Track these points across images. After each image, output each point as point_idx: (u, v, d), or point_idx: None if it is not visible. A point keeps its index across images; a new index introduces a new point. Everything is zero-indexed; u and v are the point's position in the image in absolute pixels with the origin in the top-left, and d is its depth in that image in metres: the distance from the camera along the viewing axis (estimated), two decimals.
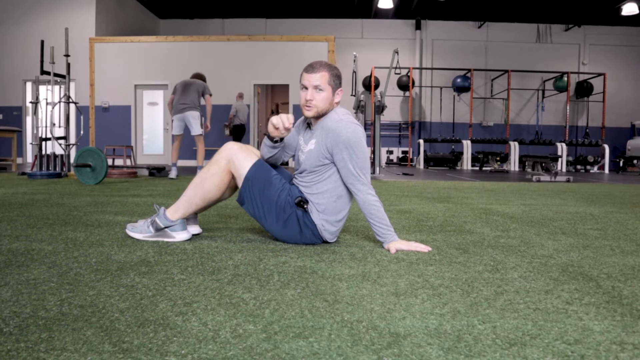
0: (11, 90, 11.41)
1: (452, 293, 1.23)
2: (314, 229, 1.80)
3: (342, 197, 1.82)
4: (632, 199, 4.12)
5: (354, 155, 1.73)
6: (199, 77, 6.38)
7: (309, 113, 1.78)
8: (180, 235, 1.85)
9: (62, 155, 6.03)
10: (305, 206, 1.79)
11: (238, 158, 1.79)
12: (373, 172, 7.45)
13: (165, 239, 1.85)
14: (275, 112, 10.12)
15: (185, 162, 10.96)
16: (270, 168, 1.82)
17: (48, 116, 7.93)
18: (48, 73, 6.29)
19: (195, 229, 1.98)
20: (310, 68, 1.76)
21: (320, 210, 1.80)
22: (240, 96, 9.99)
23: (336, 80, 1.79)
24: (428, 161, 12.04)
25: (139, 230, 1.88)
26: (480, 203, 3.58)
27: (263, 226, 1.85)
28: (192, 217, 1.97)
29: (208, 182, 1.80)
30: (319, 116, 1.81)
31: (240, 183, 1.81)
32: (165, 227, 1.84)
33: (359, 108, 7.54)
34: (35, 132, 6.46)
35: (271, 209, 1.78)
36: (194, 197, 1.83)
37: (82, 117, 6.75)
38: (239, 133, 9.89)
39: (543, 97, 14.07)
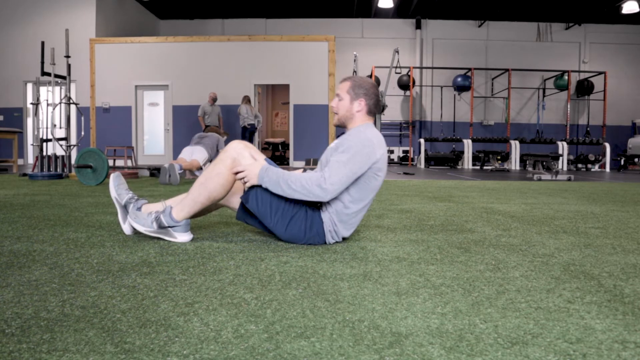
0: (12, 91, 11.43)
1: (454, 292, 1.23)
2: (320, 228, 1.80)
3: (355, 211, 1.84)
4: (634, 197, 4.12)
5: (346, 154, 1.74)
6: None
7: (333, 121, 1.95)
8: (182, 237, 1.86)
9: (63, 156, 6.04)
10: (318, 204, 1.82)
11: (244, 157, 1.80)
12: None
13: (167, 238, 1.86)
14: (247, 102, 9.89)
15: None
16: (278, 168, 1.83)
17: (49, 117, 7.94)
18: (49, 74, 6.30)
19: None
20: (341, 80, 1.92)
21: (331, 211, 1.81)
22: (212, 98, 9.78)
23: (357, 90, 1.87)
24: (429, 160, 12.04)
25: (142, 223, 1.86)
26: (481, 202, 3.58)
27: (266, 224, 1.83)
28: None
29: (213, 181, 1.80)
30: (345, 125, 1.91)
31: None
32: (169, 227, 1.84)
33: None
34: (36, 133, 6.46)
35: (278, 208, 1.78)
36: (198, 196, 1.82)
37: (82, 118, 6.76)
38: None
39: (544, 96, 14.06)
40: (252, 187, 1.79)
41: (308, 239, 1.82)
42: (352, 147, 1.75)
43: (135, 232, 2.01)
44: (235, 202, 1.95)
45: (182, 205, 1.84)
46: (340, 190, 1.73)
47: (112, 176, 2.00)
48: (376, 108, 1.91)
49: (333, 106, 1.91)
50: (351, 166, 1.73)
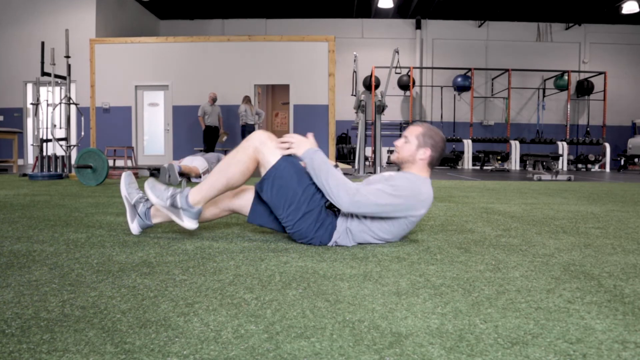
0: (12, 91, 11.43)
1: (454, 292, 1.23)
2: (329, 231, 1.79)
3: (372, 242, 1.85)
4: (634, 198, 4.12)
5: (393, 189, 1.72)
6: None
7: (392, 156, 1.95)
8: (189, 223, 1.82)
9: (63, 157, 6.04)
10: (335, 209, 1.81)
11: (267, 146, 1.78)
12: (374, 171, 7.46)
13: (174, 217, 1.83)
14: (247, 102, 9.91)
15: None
16: (300, 165, 1.82)
17: (49, 117, 7.94)
18: (49, 74, 6.30)
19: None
20: (413, 124, 1.95)
21: (351, 226, 1.80)
22: (212, 98, 9.83)
23: (426, 138, 1.86)
24: None
25: (157, 195, 1.85)
26: (481, 202, 3.58)
27: (278, 214, 1.80)
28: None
29: (233, 168, 1.78)
30: (401, 167, 1.92)
31: (264, 171, 1.79)
32: (181, 208, 1.82)
33: (360, 108, 7.54)
34: (36, 133, 6.47)
35: (293, 201, 1.75)
36: (216, 181, 1.80)
37: (82, 118, 6.76)
38: (209, 136, 9.75)
39: (544, 96, 14.06)
40: (268, 177, 1.76)
41: (312, 238, 1.80)
42: (402, 189, 1.74)
43: (142, 232, 2.02)
44: (246, 206, 1.94)
45: (198, 189, 1.83)
46: (360, 212, 1.72)
47: (123, 175, 2.00)
48: (437, 162, 1.91)
49: (397, 145, 1.91)
50: (387, 204, 1.72)
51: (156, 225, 2.17)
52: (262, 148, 1.78)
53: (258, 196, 1.89)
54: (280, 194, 1.75)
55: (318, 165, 1.71)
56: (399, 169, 1.96)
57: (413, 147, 1.86)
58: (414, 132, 1.88)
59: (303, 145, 1.77)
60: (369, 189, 1.71)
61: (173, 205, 1.83)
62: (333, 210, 1.83)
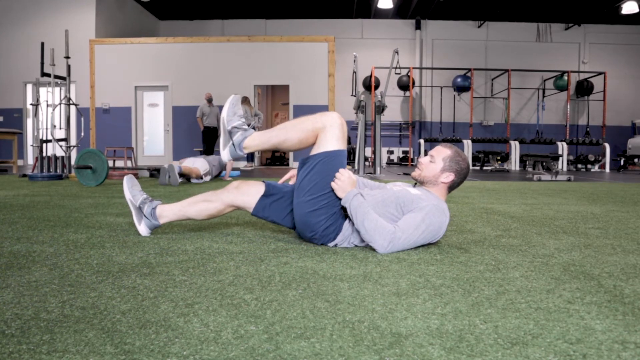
0: (12, 92, 11.44)
1: (454, 293, 1.23)
2: (334, 232, 1.79)
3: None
4: (634, 198, 4.12)
5: (421, 215, 1.70)
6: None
7: (414, 173, 1.94)
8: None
9: (62, 157, 6.04)
10: (346, 212, 1.80)
11: (334, 132, 1.77)
12: (374, 172, 7.46)
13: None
14: (246, 103, 9.88)
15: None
16: (345, 165, 1.83)
17: (48, 118, 7.95)
18: (48, 75, 6.30)
19: (144, 229, 1.99)
20: (441, 144, 1.92)
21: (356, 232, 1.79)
22: (207, 99, 9.82)
23: (452, 163, 1.85)
24: None
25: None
26: (481, 202, 3.58)
27: (295, 197, 1.81)
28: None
29: (294, 132, 1.79)
30: (421, 184, 1.91)
31: (316, 151, 1.79)
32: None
33: (360, 108, 7.54)
34: (35, 134, 6.47)
35: (319, 191, 1.75)
36: (274, 137, 1.82)
37: (82, 119, 6.76)
38: (208, 137, 9.78)
39: (543, 96, 14.07)
40: (316, 157, 1.77)
41: (316, 233, 1.79)
42: (435, 223, 1.72)
43: (152, 233, 2.04)
44: (250, 202, 1.93)
45: (254, 137, 1.84)
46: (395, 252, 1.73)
47: (125, 178, 2.02)
48: (457, 187, 1.91)
49: (422, 163, 1.90)
50: (421, 241, 1.73)
51: (164, 226, 2.18)
52: (329, 130, 1.77)
53: (265, 192, 1.90)
54: (313, 178, 1.76)
55: (354, 209, 1.70)
56: (415, 184, 1.96)
57: (437, 168, 1.85)
58: (441, 154, 1.87)
59: (345, 189, 1.74)
60: (404, 229, 1.68)
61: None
62: (345, 214, 1.81)
